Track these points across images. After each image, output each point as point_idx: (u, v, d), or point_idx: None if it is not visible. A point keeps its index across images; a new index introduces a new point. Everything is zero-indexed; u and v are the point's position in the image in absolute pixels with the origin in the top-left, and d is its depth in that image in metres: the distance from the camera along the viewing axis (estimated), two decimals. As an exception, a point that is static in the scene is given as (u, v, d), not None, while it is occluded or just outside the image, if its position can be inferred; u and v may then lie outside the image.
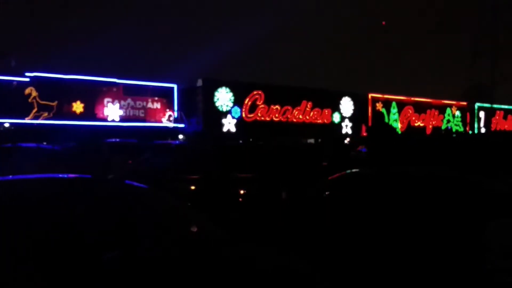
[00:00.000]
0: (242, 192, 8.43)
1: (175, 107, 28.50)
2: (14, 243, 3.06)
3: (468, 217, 4.78)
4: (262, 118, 32.01)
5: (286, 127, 32.90)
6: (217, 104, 29.79)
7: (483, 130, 46.48)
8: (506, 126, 49.53)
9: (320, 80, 58.75)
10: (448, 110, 43.78)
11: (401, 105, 40.09)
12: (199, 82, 29.21)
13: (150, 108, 27.33)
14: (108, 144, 16.92)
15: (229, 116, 30.32)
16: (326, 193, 5.88)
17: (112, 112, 25.80)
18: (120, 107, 26.12)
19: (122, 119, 26.04)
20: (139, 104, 26.83)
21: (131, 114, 26.53)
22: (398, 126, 39.79)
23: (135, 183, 4.37)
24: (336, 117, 35.99)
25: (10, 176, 4.00)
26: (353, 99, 37.03)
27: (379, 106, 38.57)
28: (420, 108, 41.31)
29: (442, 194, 5.06)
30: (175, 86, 28.67)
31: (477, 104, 46.25)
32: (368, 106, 38.09)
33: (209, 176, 8.59)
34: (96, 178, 4.46)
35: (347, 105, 36.78)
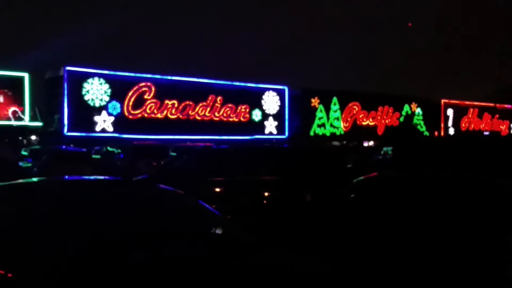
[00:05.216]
0: (266, 194, 8.31)
1: (26, 101, 23.26)
2: (47, 242, 3.13)
3: (495, 221, 4.77)
4: (153, 115, 26.59)
5: (187, 125, 27.45)
6: (86, 98, 24.44)
7: (451, 130, 40.39)
8: (482, 126, 43.35)
9: (236, 71, 52.07)
10: (406, 107, 37.85)
11: (344, 101, 34.30)
12: (62, 71, 23.93)
13: (-14, 101, 22.13)
14: (132, 147, 17.21)
15: (104, 112, 24.94)
16: (351, 195, 5.78)
17: None
18: None
19: None
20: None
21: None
22: (340, 125, 34.02)
23: (162, 185, 4.45)
24: (256, 115, 30.41)
25: (44, 178, 4.63)
26: (279, 94, 31.46)
27: (315, 101, 32.85)
28: (369, 105, 35.43)
29: (472, 198, 5.04)
30: (26, 75, 23.47)
31: (443, 100, 40.26)
32: (302, 101, 32.38)
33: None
34: (125, 180, 5.00)
35: (271, 101, 31.18)
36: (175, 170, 9.67)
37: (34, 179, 4.47)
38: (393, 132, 33.39)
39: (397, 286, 4.82)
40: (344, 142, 33.57)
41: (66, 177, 4.48)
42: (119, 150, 17.94)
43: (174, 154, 17.19)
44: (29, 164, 15.68)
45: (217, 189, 8.69)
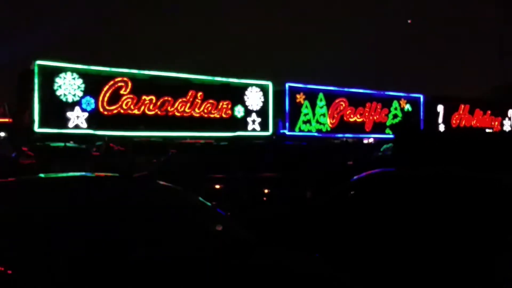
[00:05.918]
0: (266, 191, 8.22)
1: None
2: (43, 239, 3.11)
3: (499, 220, 4.70)
4: (129, 111, 25.69)
5: (166, 122, 26.55)
6: (58, 93, 23.53)
7: (441, 127, 39.56)
8: (473, 122, 42.50)
9: (218, 66, 50.83)
10: (395, 104, 37.01)
11: (330, 97, 33.43)
12: (33, 65, 23.03)
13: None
14: (133, 143, 17.34)
15: (77, 108, 24.03)
16: (351, 192, 5.77)
17: None
18: None
19: None
20: None
21: None
22: (326, 122, 33.16)
23: (162, 182, 4.39)
24: (239, 111, 29.52)
25: (43, 175, 4.32)
26: (262, 89, 30.58)
27: (300, 97, 32.00)
28: (356, 101, 34.58)
29: (476, 196, 4.98)
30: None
31: (432, 96, 39.42)
32: (286, 97, 31.50)
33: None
34: (124, 177, 4.61)
35: (254, 97, 30.30)
36: (175, 167, 9.62)
37: (33, 176, 4.53)
38: (393, 129, 32.80)
39: (397, 285, 4.74)
40: (345, 139, 32.89)
41: (66, 173, 4.51)
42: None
43: (174, 150, 17.35)
44: (29, 161, 15.32)
45: (217, 186, 8.68)
